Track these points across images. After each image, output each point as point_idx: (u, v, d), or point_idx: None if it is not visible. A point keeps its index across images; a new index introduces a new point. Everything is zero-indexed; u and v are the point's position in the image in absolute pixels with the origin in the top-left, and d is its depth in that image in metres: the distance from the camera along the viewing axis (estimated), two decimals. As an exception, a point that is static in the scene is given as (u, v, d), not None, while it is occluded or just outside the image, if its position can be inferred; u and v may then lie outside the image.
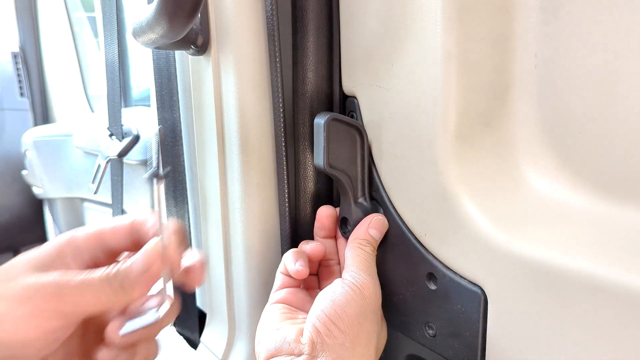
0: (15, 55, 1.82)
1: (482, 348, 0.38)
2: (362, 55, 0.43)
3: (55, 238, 0.38)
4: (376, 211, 0.45)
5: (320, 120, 0.44)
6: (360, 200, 0.46)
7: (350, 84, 0.46)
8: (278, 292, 0.46)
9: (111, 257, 0.39)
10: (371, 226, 0.44)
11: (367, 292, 0.40)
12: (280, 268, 0.47)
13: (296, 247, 0.49)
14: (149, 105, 1.23)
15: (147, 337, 0.38)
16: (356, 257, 0.43)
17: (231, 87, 0.48)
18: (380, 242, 0.45)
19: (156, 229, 0.37)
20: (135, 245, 0.38)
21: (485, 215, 0.36)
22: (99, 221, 0.39)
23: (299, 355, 0.37)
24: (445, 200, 0.38)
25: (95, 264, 0.37)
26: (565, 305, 0.31)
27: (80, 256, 0.37)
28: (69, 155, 1.48)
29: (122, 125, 1.00)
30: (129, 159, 1.04)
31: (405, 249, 0.43)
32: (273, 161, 0.50)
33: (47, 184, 1.62)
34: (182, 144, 0.61)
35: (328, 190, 0.51)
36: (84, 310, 0.34)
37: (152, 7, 0.40)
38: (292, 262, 0.45)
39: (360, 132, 0.45)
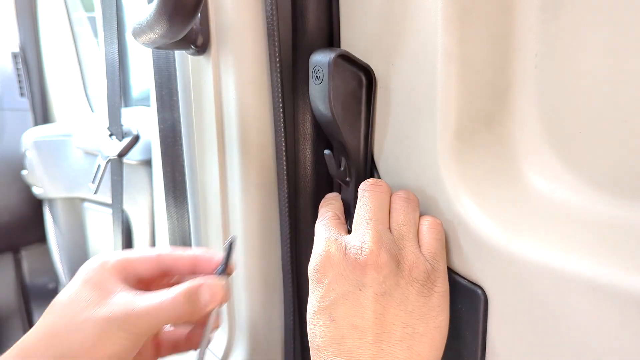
0: (15, 55, 1.82)
1: (482, 348, 0.38)
2: (362, 56, 0.43)
3: (105, 257, 0.42)
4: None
5: (322, 58, 0.42)
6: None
7: (350, 84, 0.46)
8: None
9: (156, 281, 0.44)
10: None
11: None
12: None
13: (296, 247, 0.48)
14: (148, 105, 1.23)
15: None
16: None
17: (231, 87, 0.48)
18: None
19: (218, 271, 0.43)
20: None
21: (485, 215, 0.36)
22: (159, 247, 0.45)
23: None
24: (445, 200, 0.38)
25: (146, 284, 0.43)
26: (565, 306, 0.31)
27: (134, 274, 0.42)
28: (69, 155, 1.48)
29: (122, 125, 1.00)
30: (129, 159, 1.04)
31: (405, 249, 0.43)
32: (273, 161, 0.50)
33: (47, 184, 1.62)
34: (182, 144, 0.61)
35: (329, 191, 0.51)
36: (155, 328, 0.38)
37: (152, 7, 0.40)
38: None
39: (369, 74, 0.42)
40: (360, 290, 0.35)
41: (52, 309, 0.38)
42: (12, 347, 0.37)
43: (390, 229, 0.38)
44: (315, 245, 0.39)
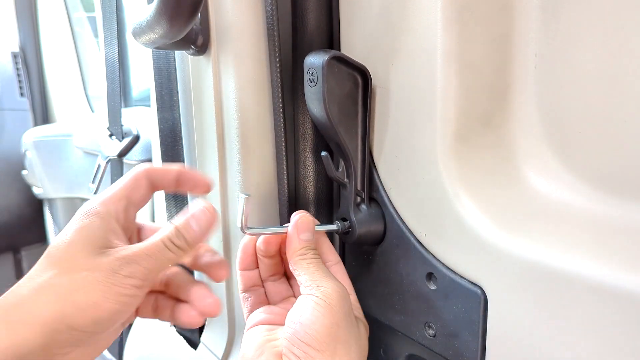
0: (15, 55, 1.82)
1: (482, 348, 0.38)
2: (362, 56, 0.43)
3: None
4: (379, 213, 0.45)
5: (315, 60, 0.41)
6: (361, 204, 0.46)
7: (350, 84, 0.46)
8: (254, 315, 0.46)
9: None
10: (300, 232, 0.43)
11: (333, 300, 0.39)
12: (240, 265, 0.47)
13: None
14: (149, 105, 1.23)
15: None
16: (304, 269, 0.41)
17: (231, 87, 0.48)
18: (380, 242, 0.45)
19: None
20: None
21: (485, 215, 0.36)
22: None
23: None
24: (445, 200, 0.38)
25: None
26: (565, 305, 0.31)
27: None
28: (69, 155, 1.49)
29: (122, 125, 1.00)
30: (129, 159, 1.04)
31: (405, 249, 0.43)
32: (273, 161, 0.50)
33: (47, 184, 1.62)
34: (182, 144, 0.61)
35: (328, 190, 0.51)
36: (152, 278, 0.37)
37: (152, 7, 0.40)
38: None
39: (365, 74, 0.42)
40: None
41: (50, 261, 0.36)
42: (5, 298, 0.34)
43: None
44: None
